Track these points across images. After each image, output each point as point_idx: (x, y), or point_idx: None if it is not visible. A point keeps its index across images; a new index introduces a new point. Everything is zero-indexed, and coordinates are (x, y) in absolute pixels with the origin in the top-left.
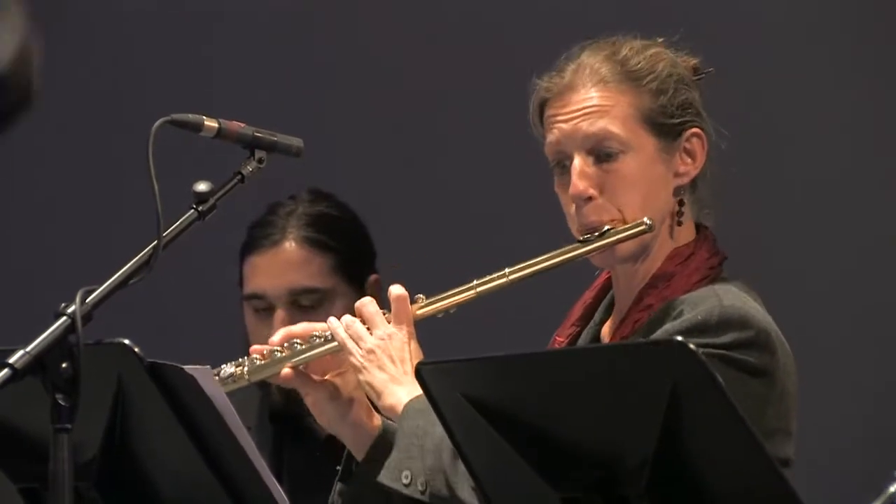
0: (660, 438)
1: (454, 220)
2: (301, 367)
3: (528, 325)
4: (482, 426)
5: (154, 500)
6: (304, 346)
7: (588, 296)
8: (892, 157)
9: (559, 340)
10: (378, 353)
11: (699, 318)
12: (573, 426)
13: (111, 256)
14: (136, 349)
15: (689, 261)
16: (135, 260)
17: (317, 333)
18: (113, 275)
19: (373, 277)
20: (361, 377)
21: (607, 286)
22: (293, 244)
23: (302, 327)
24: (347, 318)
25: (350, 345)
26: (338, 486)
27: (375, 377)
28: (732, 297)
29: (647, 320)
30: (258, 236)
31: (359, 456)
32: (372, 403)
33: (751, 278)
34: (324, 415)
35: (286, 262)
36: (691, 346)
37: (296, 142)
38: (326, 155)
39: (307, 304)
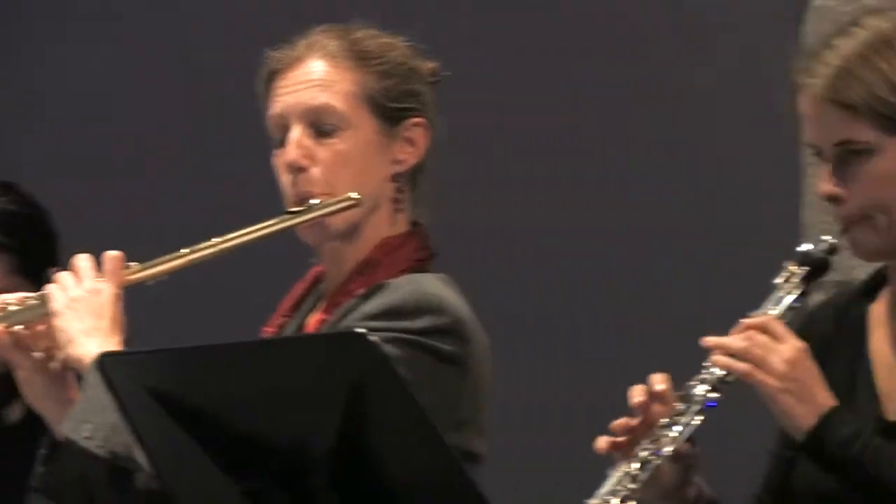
0: (341, 430)
1: None
2: (15, 330)
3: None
4: (163, 418)
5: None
6: (16, 308)
7: (299, 287)
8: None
9: (267, 331)
10: (81, 303)
11: (396, 301)
12: (256, 419)
13: None
14: (374, 339)
15: (396, 251)
16: None
17: (33, 297)
18: None
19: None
20: (58, 321)
21: (319, 279)
22: None
23: (15, 296)
24: (63, 273)
25: (55, 291)
26: (39, 469)
27: (71, 325)
28: (431, 286)
29: (349, 303)
30: None
31: (62, 434)
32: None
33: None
34: (30, 389)
35: None
36: (371, 337)
37: None
38: None
39: None
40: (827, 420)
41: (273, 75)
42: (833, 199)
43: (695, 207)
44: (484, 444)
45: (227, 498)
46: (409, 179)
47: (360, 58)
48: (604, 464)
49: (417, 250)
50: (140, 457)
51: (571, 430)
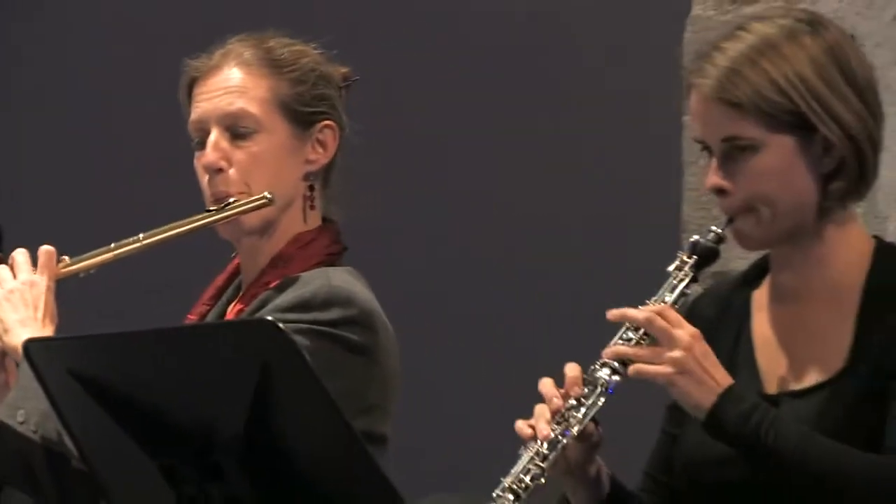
0: (251, 413)
1: None
2: None
3: None
4: (85, 399)
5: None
6: None
7: (220, 278)
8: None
9: (190, 318)
10: (17, 294)
11: (307, 294)
12: (171, 400)
13: None
14: (282, 326)
15: (309, 246)
16: None
17: None
18: None
19: None
20: None
21: (238, 271)
22: None
23: None
24: (0, 266)
25: None
26: None
27: (7, 315)
28: (341, 279)
29: (263, 295)
30: None
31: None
32: None
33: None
34: None
35: None
36: (280, 324)
37: None
38: None
39: None
40: (725, 398)
41: (193, 83)
42: (719, 192)
43: (584, 206)
44: (390, 427)
45: (144, 472)
46: (321, 178)
47: (273, 65)
48: (501, 443)
49: (329, 245)
50: (69, 441)
51: (472, 412)
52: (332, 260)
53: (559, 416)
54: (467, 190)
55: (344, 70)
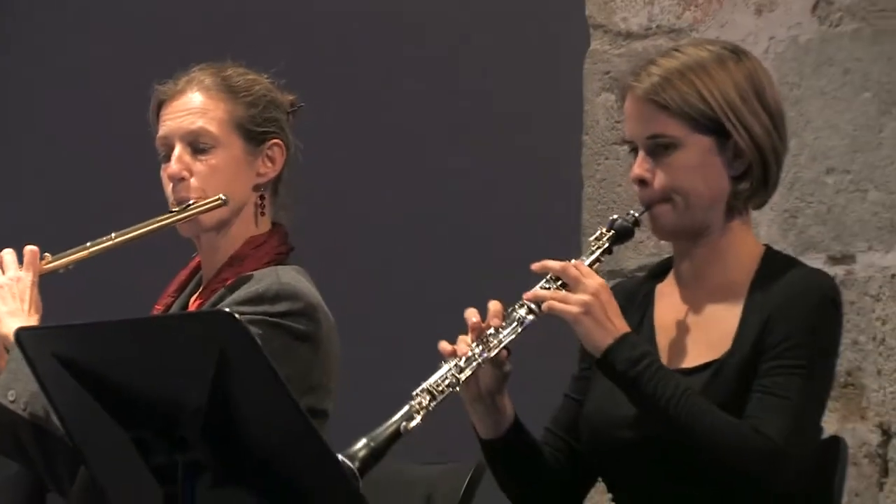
0: (211, 392)
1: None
2: None
3: None
4: (68, 380)
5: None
6: None
7: (183, 273)
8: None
9: (157, 308)
10: (5, 289)
11: (259, 290)
12: (142, 380)
13: None
14: (237, 317)
15: (261, 247)
16: None
17: None
18: None
19: None
20: None
21: (199, 266)
22: None
23: None
24: None
25: None
26: None
27: None
28: (288, 277)
29: (221, 291)
30: None
31: None
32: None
33: (311, 268)
34: None
35: None
36: (235, 315)
37: None
38: None
39: None
40: (620, 342)
41: (161, 104)
42: (641, 182)
43: (501, 212)
44: (331, 403)
45: (119, 444)
46: (270, 189)
47: (230, 91)
48: (440, 415)
49: (278, 246)
50: (56, 418)
51: (404, 392)
52: (280, 259)
53: (478, 340)
54: (404, 201)
55: (291, 97)
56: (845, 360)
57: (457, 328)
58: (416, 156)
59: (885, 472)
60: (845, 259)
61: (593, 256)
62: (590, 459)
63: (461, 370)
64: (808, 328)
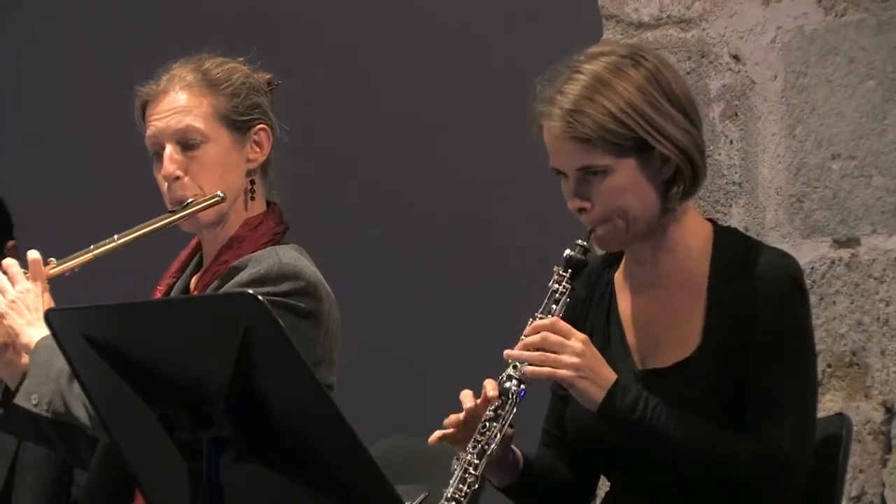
0: (235, 369)
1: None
2: None
3: None
4: (96, 359)
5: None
6: None
7: (183, 254)
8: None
9: (159, 289)
10: (18, 303)
11: (262, 271)
12: (167, 360)
13: None
14: (260, 297)
15: (258, 228)
16: None
17: None
18: None
19: (11, 243)
20: (5, 321)
21: (198, 246)
22: None
23: None
24: None
25: None
26: None
27: (15, 321)
28: (288, 256)
29: (223, 273)
30: None
31: (11, 386)
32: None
33: (308, 245)
34: None
35: None
36: (258, 296)
37: None
38: None
39: None
40: (612, 393)
41: (145, 105)
42: (581, 211)
43: (509, 202)
44: (334, 376)
45: (145, 420)
46: (260, 171)
47: (211, 85)
48: (445, 388)
49: (274, 226)
50: (75, 411)
51: (403, 364)
52: (278, 238)
53: (481, 428)
54: (403, 187)
55: (267, 76)
56: (850, 340)
57: (457, 311)
58: (426, 147)
59: (888, 448)
60: (850, 242)
61: (561, 304)
62: (584, 458)
63: (476, 466)
64: (789, 325)
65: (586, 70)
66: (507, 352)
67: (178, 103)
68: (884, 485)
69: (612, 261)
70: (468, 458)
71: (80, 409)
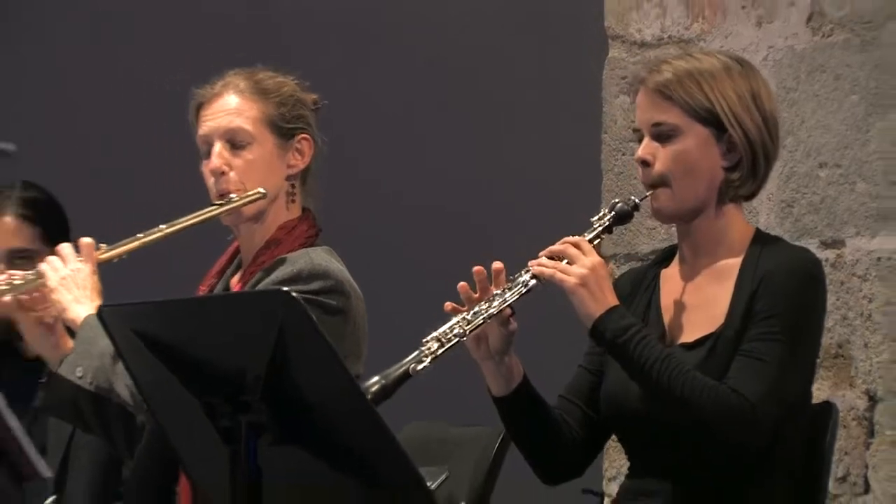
0: (270, 361)
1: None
2: (18, 297)
3: None
4: (145, 352)
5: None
6: (20, 281)
7: (223, 258)
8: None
9: (202, 289)
10: (68, 280)
11: (294, 271)
12: (209, 353)
13: None
14: (294, 294)
15: (293, 231)
16: None
17: (31, 273)
18: None
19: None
20: (54, 296)
21: (237, 251)
22: (10, 218)
23: (18, 273)
24: (51, 257)
25: (49, 272)
26: (41, 392)
27: (64, 296)
28: (319, 258)
29: (260, 272)
30: None
31: (55, 368)
32: (68, 329)
33: (338, 246)
34: (31, 337)
35: (5, 231)
36: (293, 294)
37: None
38: None
39: (20, 262)
40: (609, 313)
41: (200, 106)
42: (643, 163)
43: (527, 201)
44: (362, 367)
45: (190, 408)
46: (300, 178)
47: (262, 92)
48: (469, 378)
49: (308, 230)
50: (117, 388)
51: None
52: (311, 241)
53: (486, 299)
54: (423, 186)
55: (314, 96)
56: (836, 334)
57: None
58: (458, 146)
59: (870, 433)
60: (836, 244)
61: (594, 233)
62: (611, 426)
63: (469, 322)
64: (787, 297)
65: (700, 57)
66: (530, 262)
67: (230, 106)
68: (867, 466)
69: (662, 259)
70: (465, 315)
71: (123, 388)
